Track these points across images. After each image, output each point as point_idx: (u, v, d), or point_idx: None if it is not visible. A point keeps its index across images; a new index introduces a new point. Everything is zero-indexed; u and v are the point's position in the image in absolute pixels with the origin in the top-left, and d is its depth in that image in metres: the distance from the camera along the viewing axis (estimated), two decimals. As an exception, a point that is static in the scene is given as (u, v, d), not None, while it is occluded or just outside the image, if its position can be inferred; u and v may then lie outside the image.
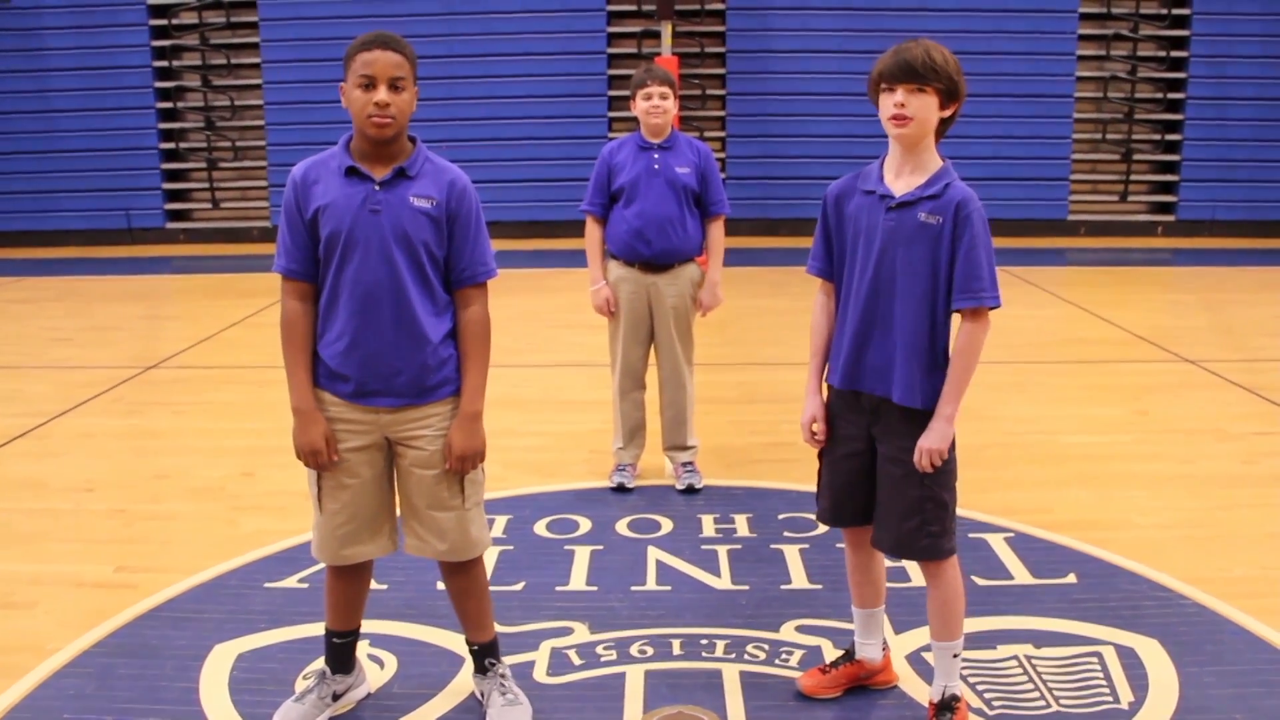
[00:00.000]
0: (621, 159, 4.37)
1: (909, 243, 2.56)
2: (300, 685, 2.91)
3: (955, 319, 2.62)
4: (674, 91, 4.33)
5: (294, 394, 2.59)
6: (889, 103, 2.53)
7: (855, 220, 2.66)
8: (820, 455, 2.86)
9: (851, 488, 2.76)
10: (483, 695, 2.84)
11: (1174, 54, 12.47)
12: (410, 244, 2.54)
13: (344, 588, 2.79)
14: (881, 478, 2.69)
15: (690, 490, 4.46)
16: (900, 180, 2.60)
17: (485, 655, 2.85)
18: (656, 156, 4.32)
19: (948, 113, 2.55)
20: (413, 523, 2.73)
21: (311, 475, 2.67)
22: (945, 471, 2.62)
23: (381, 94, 2.47)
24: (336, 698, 2.83)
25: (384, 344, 2.56)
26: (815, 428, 2.78)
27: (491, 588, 3.58)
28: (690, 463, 4.55)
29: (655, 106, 4.29)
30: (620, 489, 4.49)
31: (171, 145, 12.81)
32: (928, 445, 2.56)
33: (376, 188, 2.54)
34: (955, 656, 2.72)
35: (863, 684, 2.92)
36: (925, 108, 2.51)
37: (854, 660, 2.91)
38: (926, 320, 2.58)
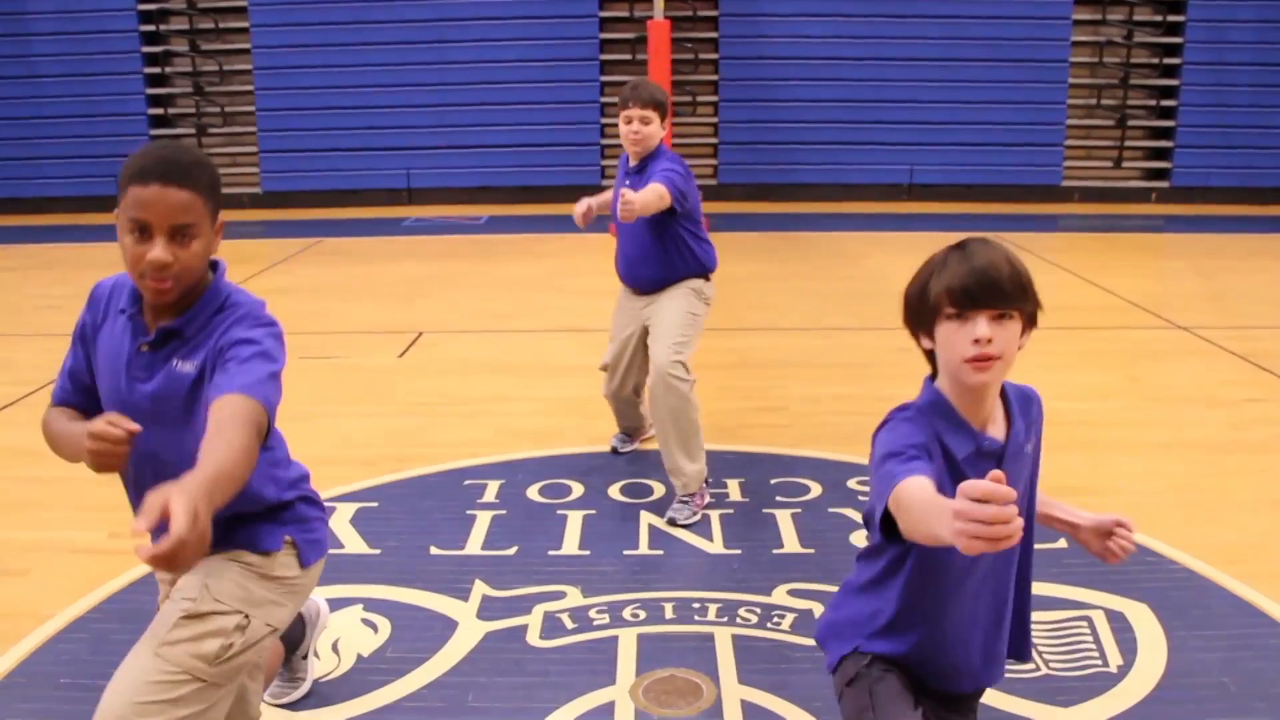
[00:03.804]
0: (615, 179, 4.17)
1: (1022, 488, 1.97)
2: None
3: None
4: (660, 113, 3.87)
5: (63, 447, 2.00)
6: (962, 337, 1.78)
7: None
8: None
9: None
10: None
11: (1170, 19, 12.40)
12: (170, 416, 1.97)
13: None
14: None
15: (672, 524, 3.85)
16: (993, 426, 1.92)
17: None
18: (628, 184, 3.94)
19: (1024, 341, 1.87)
20: None
21: None
22: None
23: (158, 251, 1.85)
24: (304, 656, 2.79)
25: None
26: None
27: (484, 552, 3.61)
28: (689, 494, 3.91)
29: (635, 132, 3.87)
30: (613, 452, 4.51)
31: (159, 111, 12.69)
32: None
33: (141, 348, 1.98)
34: None
35: None
36: (1013, 340, 1.82)
37: None
38: (1031, 561, 2.05)
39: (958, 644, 1.96)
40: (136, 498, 2.05)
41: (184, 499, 1.49)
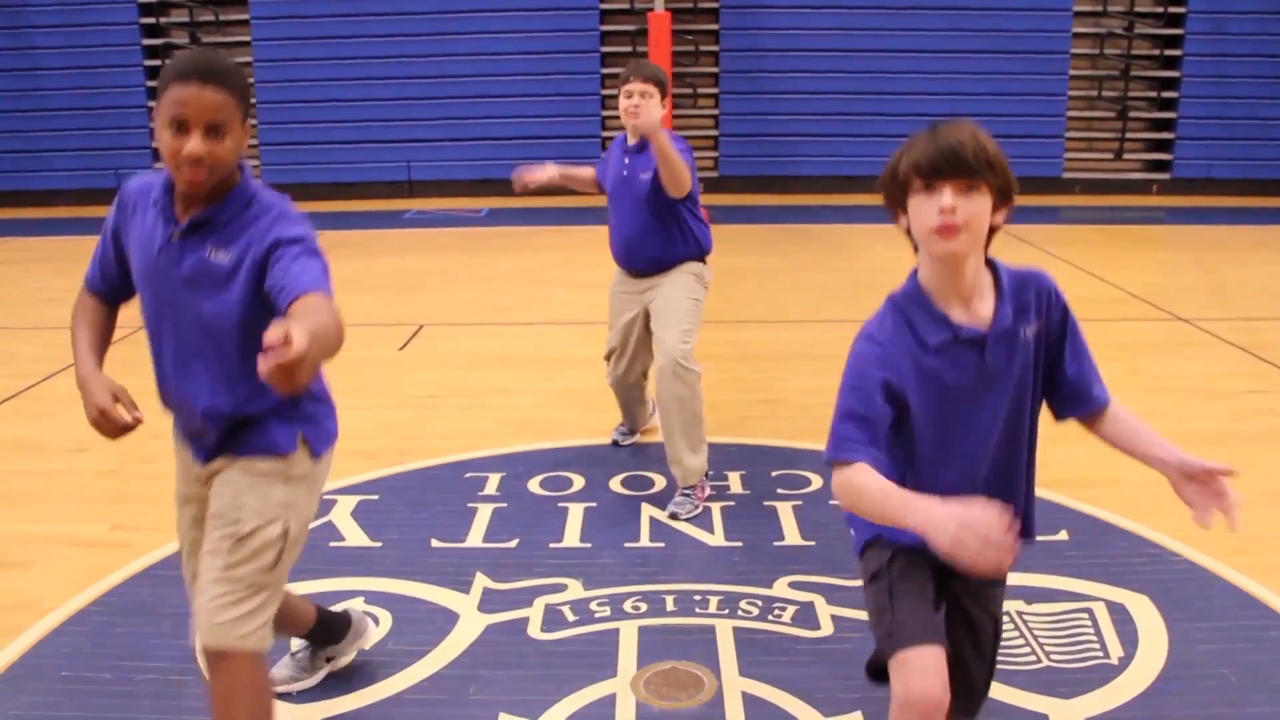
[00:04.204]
0: (610, 157, 4.14)
1: (1022, 374, 1.99)
2: (296, 644, 2.92)
3: None
4: (661, 91, 3.84)
5: (76, 368, 2.24)
6: (929, 208, 1.85)
7: (940, 386, 1.95)
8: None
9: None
10: None
11: (1171, 10, 12.37)
12: (200, 301, 2.13)
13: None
14: (971, 637, 2.14)
15: (673, 519, 3.85)
16: (971, 307, 1.95)
17: None
18: (627, 162, 3.99)
19: (1000, 219, 1.92)
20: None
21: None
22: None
23: (194, 143, 2.02)
24: (330, 659, 2.84)
25: (184, 404, 2.25)
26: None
27: (485, 545, 3.62)
28: (690, 488, 3.94)
29: (635, 106, 3.82)
30: (614, 445, 4.52)
31: (160, 103, 12.68)
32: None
33: (174, 237, 2.14)
34: None
35: None
36: (980, 212, 1.86)
37: None
38: (1034, 448, 2.10)
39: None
40: (161, 360, 2.24)
41: (302, 326, 1.68)
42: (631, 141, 4.00)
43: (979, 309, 1.94)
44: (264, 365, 1.63)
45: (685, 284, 4.00)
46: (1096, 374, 2.06)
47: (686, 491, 3.92)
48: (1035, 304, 1.97)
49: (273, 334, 1.64)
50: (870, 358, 1.93)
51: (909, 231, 1.94)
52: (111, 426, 2.15)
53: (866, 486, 1.84)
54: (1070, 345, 2.02)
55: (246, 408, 2.17)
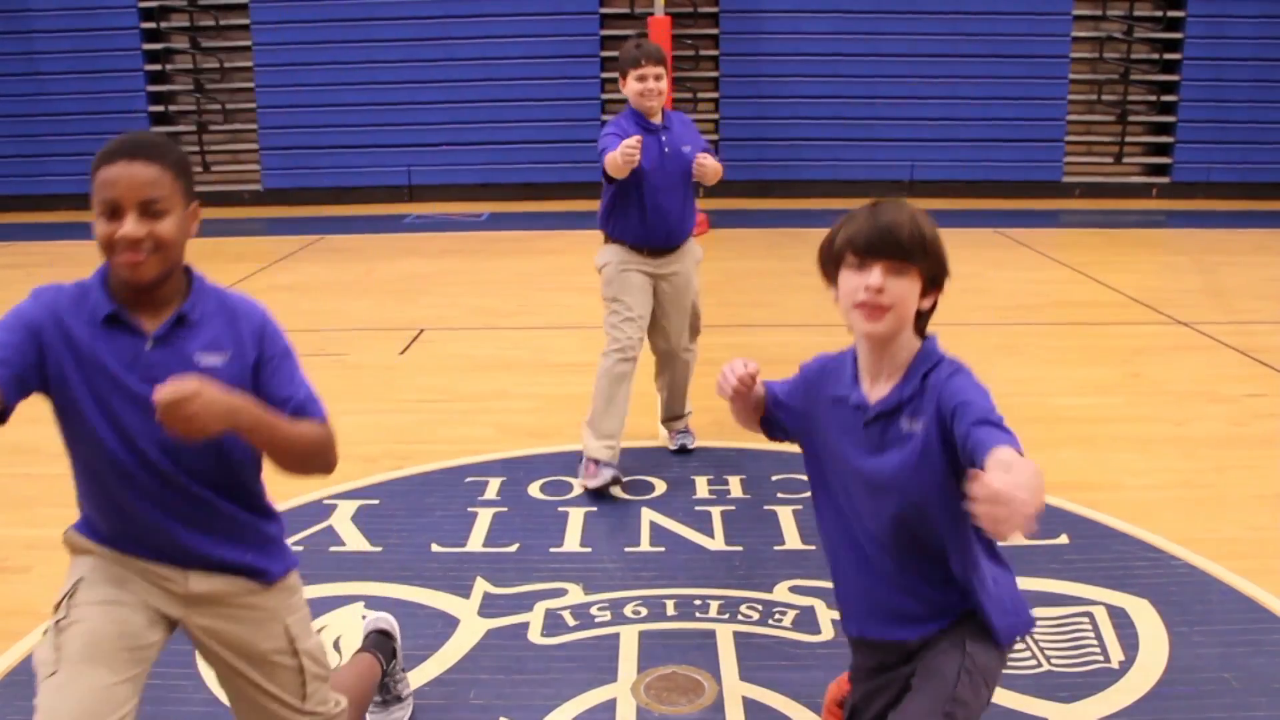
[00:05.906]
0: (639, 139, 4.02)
1: (903, 462, 1.90)
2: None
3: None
4: (667, 69, 4.12)
5: None
6: (856, 283, 1.86)
7: (826, 434, 2.05)
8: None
9: None
10: None
11: (1170, 14, 12.38)
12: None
13: None
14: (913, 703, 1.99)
15: (683, 450, 4.48)
16: (878, 385, 1.95)
17: None
18: (664, 139, 4.13)
19: (927, 304, 1.91)
20: None
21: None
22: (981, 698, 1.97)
23: (129, 226, 1.78)
24: (395, 677, 2.69)
25: (176, 551, 1.93)
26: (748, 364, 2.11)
27: (486, 549, 3.62)
28: (685, 426, 4.58)
29: (650, 89, 4.05)
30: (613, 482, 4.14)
31: (160, 108, 12.68)
32: (1011, 485, 1.52)
33: (148, 346, 1.85)
34: None
35: None
36: (908, 295, 1.86)
37: None
38: (953, 539, 1.92)
39: (836, 583, 2.11)
40: (153, 497, 1.90)
41: (197, 383, 1.67)
42: (652, 120, 4.16)
43: (889, 384, 1.94)
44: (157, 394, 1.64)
45: (695, 286, 4.35)
46: (990, 410, 1.80)
47: (684, 429, 4.55)
48: (927, 399, 1.88)
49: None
50: (788, 383, 2.17)
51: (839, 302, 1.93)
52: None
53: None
54: (958, 417, 1.81)
55: (244, 548, 2.00)
